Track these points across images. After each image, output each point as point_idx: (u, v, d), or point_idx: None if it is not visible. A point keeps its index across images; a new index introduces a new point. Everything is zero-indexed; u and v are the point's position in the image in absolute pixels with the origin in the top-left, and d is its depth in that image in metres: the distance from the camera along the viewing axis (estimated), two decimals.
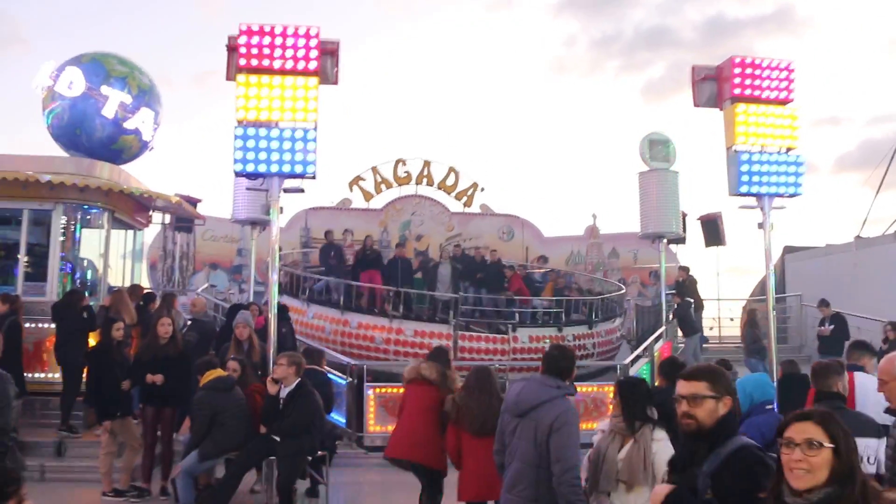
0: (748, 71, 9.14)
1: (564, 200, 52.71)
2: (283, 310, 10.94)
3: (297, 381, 7.50)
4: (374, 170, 23.52)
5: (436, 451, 6.90)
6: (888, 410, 4.23)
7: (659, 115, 55.05)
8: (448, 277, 17.62)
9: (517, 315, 16.36)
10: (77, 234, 13.30)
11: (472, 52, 57.42)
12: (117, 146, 13.90)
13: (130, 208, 14.22)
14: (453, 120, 55.65)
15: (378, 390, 11.02)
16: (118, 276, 14.90)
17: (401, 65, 56.88)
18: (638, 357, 12.69)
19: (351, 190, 23.60)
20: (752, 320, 13.99)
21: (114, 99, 13.48)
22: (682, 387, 3.44)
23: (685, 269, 16.54)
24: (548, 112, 56.64)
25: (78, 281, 13.11)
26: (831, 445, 2.64)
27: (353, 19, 54.22)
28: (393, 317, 15.75)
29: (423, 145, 71.83)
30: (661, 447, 4.71)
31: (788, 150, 9.19)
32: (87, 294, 11.73)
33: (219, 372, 8.05)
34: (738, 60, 9.15)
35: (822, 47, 51.16)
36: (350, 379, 11.11)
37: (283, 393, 7.51)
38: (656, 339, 13.60)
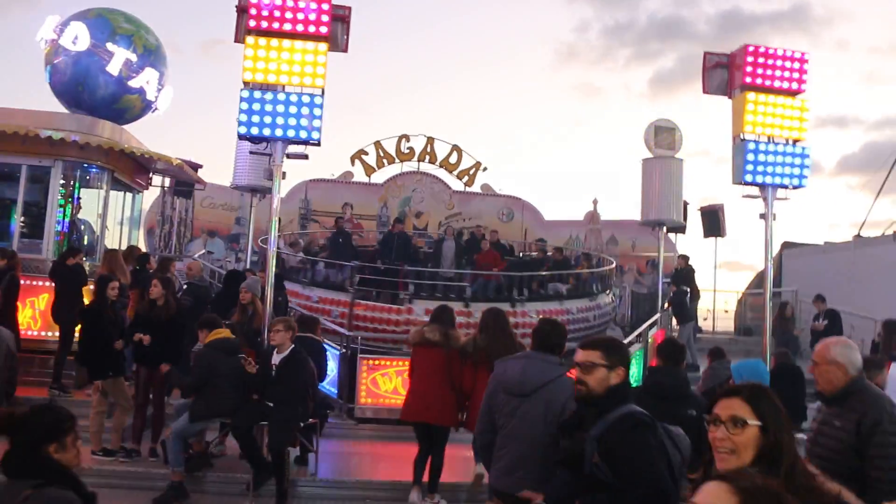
0: (760, 60, 9.04)
1: (567, 185, 52.83)
2: (279, 278, 10.90)
3: (290, 348, 7.47)
4: (378, 144, 23.46)
5: (449, 410, 7.40)
6: (817, 394, 4.29)
7: (666, 105, 54.93)
8: (452, 253, 17.62)
9: (411, 286, 16.17)
10: (76, 194, 13.20)
11: (484, 33, 57.35)
12: (120, 105, 13.78)
13: (131, 169, 14.12)
14: (459, 98, 55.71)
15: (371, 362, 11.00)
16: (115, 240, 14.82)
17: (411, 40, 56.74)
18: (631, 343, 12.66)
19: (353, 164, 23.57)
20: (782, 315, 13.94)
21: (119, 56, 13.35)
22: (579, 355, 3.61)
23: (684, 258, 16.50)
24: (555, 97, 56.62)
25: (76, 242, 13.02)
26: (758, 423, 2.48)
27: None
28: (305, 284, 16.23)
29: (427, 122, 71.84)
30: None
31: (795, 141, 9.12)
32: (82, 253, 11.65)
33: (225, 332, 8.01)
34: (751, 49, 9.06)
35: (836, 47, 50.95)
36: (343, 350, 11.09)
37: (277, 359, 7.47)
38: (650, 326, 13.59)
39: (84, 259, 12.31)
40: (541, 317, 8.16)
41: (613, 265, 19.35)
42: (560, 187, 54.95)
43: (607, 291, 18.45)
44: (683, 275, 15.88)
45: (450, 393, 7.37)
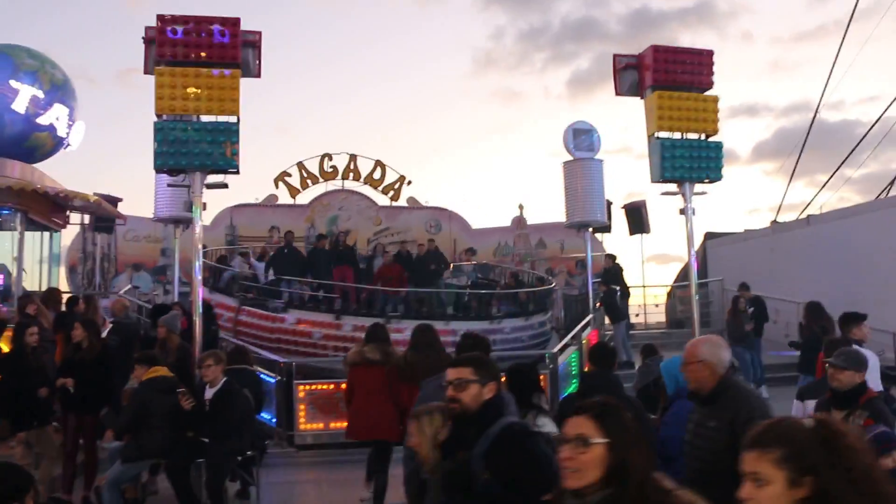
0: (668, 59, 9.26)
1: (492, 192, 53.22)
2: (208, 308, 10.71)
3: (223, 381, 7.32)
4: (300, 165, 23.27)
5: (393, 426, 7.30)
6: (689, 394, 4.29)
7: (585, 105, 56.00)
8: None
9: (287, 295, 16.13)
10: None
11: (400, 46, 57.54)
12: (29, 144, 13.39)
13: (46, 209, 13.72)
14: (380, 113, 55.66)
15: (308, 387, 10.87)
16: (35, 281, 14.38)
17: (326, 58, 56.53)
18: (566, 345, 12.79)
19: (277, 186, 23.32)
20: (735, 308, 14.16)
21: (24, 93, 12.99)
22: (450, 373, 3.60)
23: (612, 257, 16.76)
24: (476, 104, 57.11)
25: None
26: (603, 441, 2.39)
27: (276, 11, 53.57)
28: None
29: (349, 140, 71.47)
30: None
31: (708, 136, 9.36)
32: None
33: (163, 371, 7.74)
34: (658, 49, 9.28)
35: (741, 39, 52.72)
36: (279, 377, 10.94)
37: (209, 394, 7.31)
38: (584, 327, 13.76)
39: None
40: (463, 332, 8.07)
41: (553, 285, 19.57)
42: (487, 194, 55.41)
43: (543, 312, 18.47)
44: (612, 274, 16.12)
45: (393, 409, 7.34)
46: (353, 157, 23.52)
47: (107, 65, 61.63)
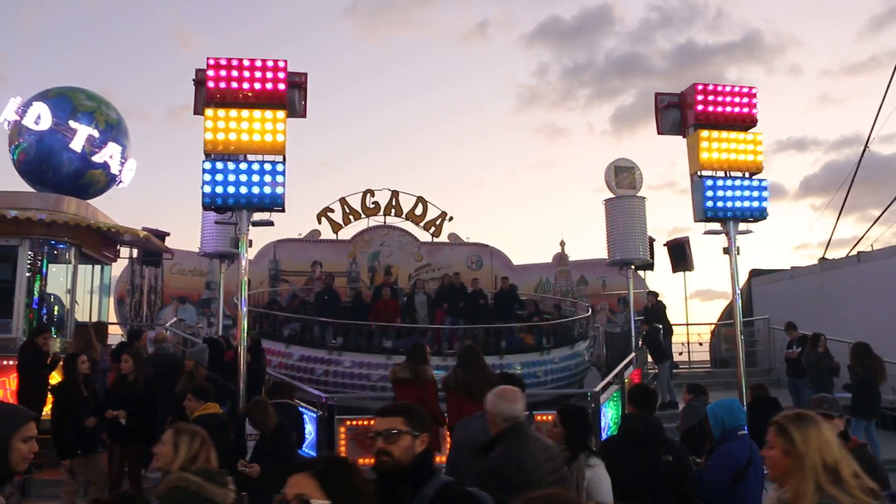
0: (710, 97, 9.23)
1: (534, 228, 53.18)
2: (254, 343, 10.84)
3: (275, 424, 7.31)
4: (343, 201, 23.52)
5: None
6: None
7: (629, 141, 55.92)
8: (425, 306, 17.64)
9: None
10: (44, 270, 13.12)
11: (444, 83, 58.13)
12: (85, 181, 13.82)
13: (98, 243, 14.09)
14: (422, 150, 56.14)
15: (349, 423, 10.91)
16: (85, 312, 14.72)
17: (370, 95, 57.31)
18: (608, 384, 12.68)
19: (319, 222, 23.56)
20: (815, 347, 13.41)
21: (81, 133, 13.45)
22: (378, 423, 3.33)
23: (654, 295, 16.64)
24: (518, 141, 57.29)
25: (45, 317, 12.91)
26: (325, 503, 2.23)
27: (322, 49, 54.64)
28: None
29: (391, 176, 72.21)
30: (595, 473, 4.76)
31: (752, 174, 9.29)
32: (48, 332, 11.50)
33: (214, 408, 7.78)
34: (700, 87, 9.25)
35: (789, 73, 52.29)
36: (320, 412, 11.00)
37: (251, 429, 7.38)
38: (626, 366, 13.63)
39: (54, 335, 12.24)
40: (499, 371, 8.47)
41: (589, 312, 19.48)
42: (528, 231, 55.38)
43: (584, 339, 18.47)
44: (654, 312, 16.00)
45: None
46: (395, 194, 23.71)
47: (160, 103, 63.42)
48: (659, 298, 16.67)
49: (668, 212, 66.23)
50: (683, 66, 51.76)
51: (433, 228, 23.91)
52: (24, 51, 54.60)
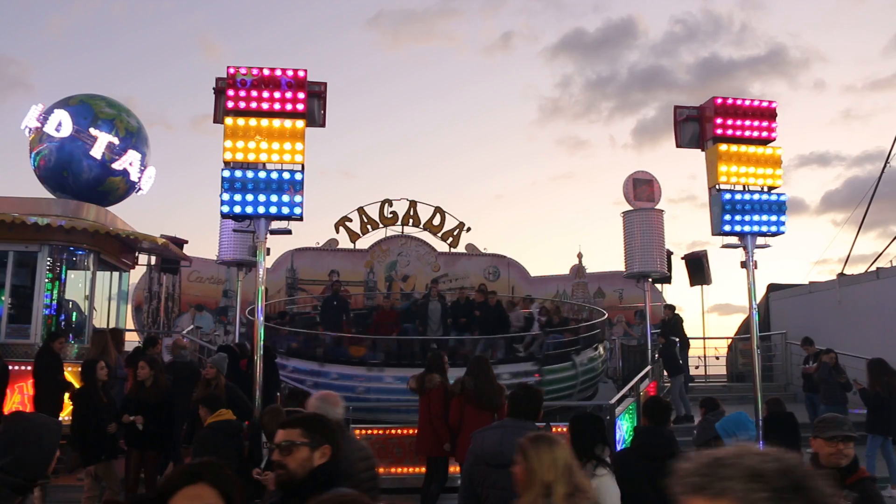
0: (730, 111, 9.20)
1: (553, 241, 53.09)
2: (268, 352, 10.88)
3: None
4: (361, 210, 23.61)
5: (432, 445, 8.90)
6: None
7: (651, 154, 55.82)
8: (438, 315, 17.60)
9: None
10: (63, 276, 13.23)
11: (467, 95, 58.28)
12: (104, 188, 13.94)
13: (116, 250, 14.19)
14: (443, 160, 56.29)
15: (363, 432, 10.92)
16: (103, 318, 14.82)
17: (392, 106, 57.57)
18: (624, 397, 12.62)
19: (337, 231, 23.68)
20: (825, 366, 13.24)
21: (102, 140, 13.56)
22: (278, 435, 3.26)
23: (671, 308, 16.57)
24: (539, 153, 57.32)
25: (63, 323, 13.01)
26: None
27: (344, 58, 54.97)
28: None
29: (410, 186, 72.41)
30: (603, 483, 4.74)
31: (771, 189, 9.24)
32: (63, 337, 11.58)
33: (228, 414, 7.82)
34: (719, 100, 9.22)
35: (813, 88, 52.08)
36: None
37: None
38: (641, 379, 13.57)
39: (71, 340, 12.32)
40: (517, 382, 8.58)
41: (605, 316, 19.35)
42: (547, 243, 55.32)
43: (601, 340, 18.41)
44: (671, 325, 15.93)
45: (431, 430, 8.82)
46: (412, 204, 23.79)
47: (183, 111, 64.06)
48: (676, 312, 16.60)
49: (688, 225, 66.03)
50: (707, 79, 51.71)
51: (450, 239, 23.97)
52: (49, 60, 55.40)
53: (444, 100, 58.95)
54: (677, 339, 15.53)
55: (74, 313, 13.93)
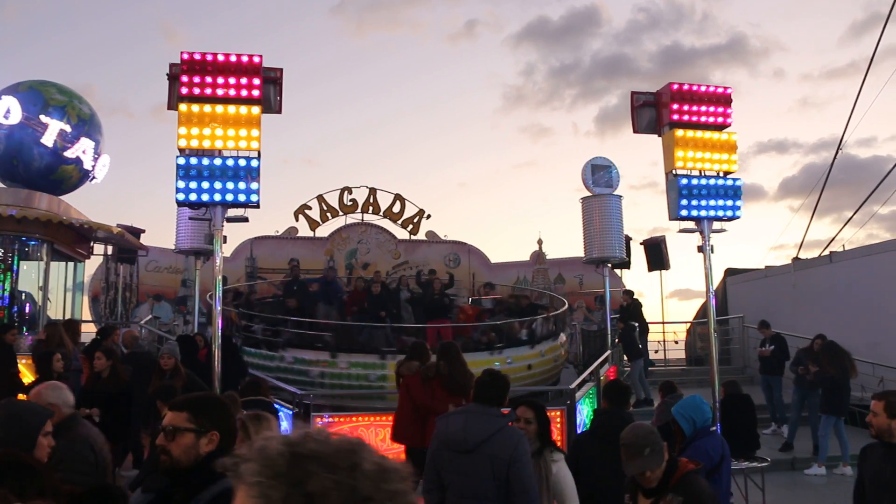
0: (686, 97, 9.28)
1: (516, 227, 53.28)
2: (227, 341, 10.77)
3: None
4: (320, 198, 23.47)
5: (407, 433, 8.66)
6: None
7: (613, 141, 56.22)
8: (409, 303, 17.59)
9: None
10: (15, 267, 12.97)
11: (431, 82, 58.09)
12: (57, 176, 13.66)
13: (71, 239, 13.94)
14: (406, 148, 56.14)
15: (324, 419, 10.88)
16: (59, 310, 14.56)
17: (355, 92, 57.22)
18: (584, 381, 12.73)
19: (297, 219, 23.51)
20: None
21: (53, 128, 13.29)
22: (166, 418, 3.01)
23: (629, 294, 16.72)
24: (503, 140, 57.39)
25: (16, 315, 12.76)
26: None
27: (307, 46, 54.48)
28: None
29: (374, 174, 72.15)
30: (559, 468, 4.81)
31: (727, 174, 9.34)
32: (22, 328, 11.39)
33: None
34: (675, 86, 9.30)
35: (772, 76, 52.78)
36: (297, 409, 10.96)
37: None
38: (601, 364, 13.69)
39: (25, 332, 12.09)
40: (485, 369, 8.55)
41: (566, 307, 19.38)
42: (510, 230, 55.51)
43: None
44: (630, 310, 16.08)
45: (405, 418, 8.62)
46: (372, 191, 23.70)
47: (144, 99, 63.05)
48: (635, 297, 16.76)
49: (649, 212, 66.60)
50: (669, 68, 52.16)
51: (411, 226, 23.94)
52: (5, 47, 54.04)
53: (408, 88, 58.75)
54: (636, 324, 15.68)
55: (28, 304, 13.68)
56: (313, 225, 23.53)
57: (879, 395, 4.48)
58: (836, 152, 21.65)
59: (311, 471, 1.35)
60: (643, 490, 4.12)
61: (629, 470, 4.10)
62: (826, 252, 19.39)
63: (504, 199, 58.34)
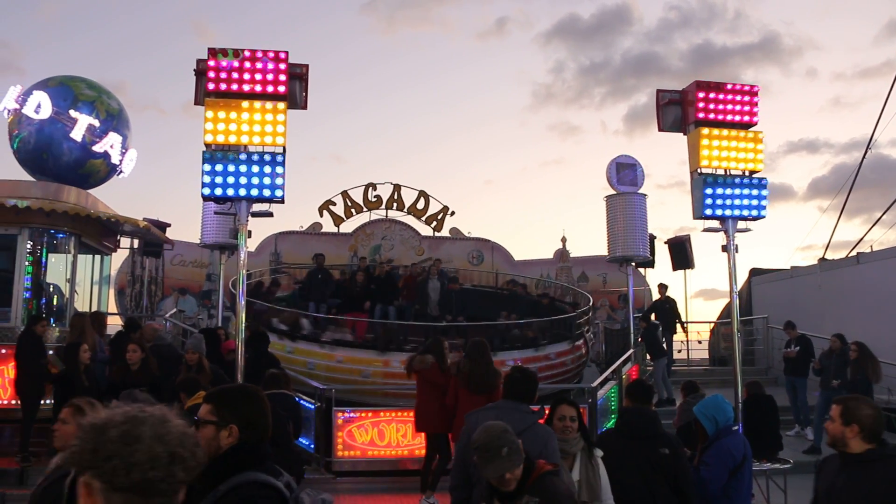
0: (711, 95, 9.21)
1: (542, 225, 53.17)
2: (255, 336, 10.83)
3: None
4: (345, 194, 23.55)
5: (429, 421, 9.18)
6: None
7: (641, 140, 55.94)
8: (438, 293, 17.66)
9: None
10: (43, 259, 13.13)
11: (460, 79, 58.14)
12: (85, 170, 13.83)
13: (98, 233, 14.10)
14: (435, 145, 56.31)
15: (345, 414, 10.95)
16: (85, 302, 14.73)
17: (386, 89, 57.39)
18: (606, 380, 12.71)
19: (321, 215, 23.60)
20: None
21: (82, 122, 13.45)
22: (200, 409, 3.03)
23: (664, 287, 16.84)
24: (531, 138, 57.25)
25: (44, 307, 12.93)
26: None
27: (338, 43, 54.68)
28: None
29: (401, 171, 72.40)
30: (601, 465, 4.82)
31: (752, 173, 9.27)
32: (50, 320, 11.53)
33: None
34: (701, 84, 9.24)
35: (805, 75, 52.24)
36: (318, 403, 11.04)
37: None
38: (624, 362, 13.65)
39: (52, 324, 12.25)
40: (512, 364, 8.57)
41: (590, 305, 19.33)
42: (533, 227, 55.40)
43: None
44: (665, 308, 16.18)
45: (429, 407, 9.12)
46: (397, 187, 23.75)
47: (176, 96, 63.89)
48: (667, 293, 16.80)
49: (676, 211, 66.23)
50: (700, 66, 51.71)
51: (434, 223, 23.96)
52: (42, 44, 54.84)
53: (437, 85, 58.77)
54: (658, 323, 15.65)
55: (56, 297, 13.85)
56: (337, 221, 23.62)
57: (838, 400, 4.11)
58: (865, 152, 21.47)
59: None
60: (499, 495, 3.90)
61: (488, 474, 3.85)
62: (853, 253, 19.20)
63: (529, 197, 58.22)
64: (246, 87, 7.84)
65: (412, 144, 57.81)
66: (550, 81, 55.25)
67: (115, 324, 15.88)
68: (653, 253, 16.26)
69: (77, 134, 13.41)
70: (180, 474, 1.74)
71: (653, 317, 16.25)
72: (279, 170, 7.76)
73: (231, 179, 7.69)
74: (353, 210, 23.60)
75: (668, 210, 61.36)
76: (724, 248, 9.31)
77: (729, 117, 9.24)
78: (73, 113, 13.44)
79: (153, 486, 1.70)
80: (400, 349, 15.11)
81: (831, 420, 3.99)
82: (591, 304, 18.83)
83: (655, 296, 17.52)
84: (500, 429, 3.89)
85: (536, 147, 57.89)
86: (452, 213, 24.10)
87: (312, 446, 10.88)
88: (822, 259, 19.82)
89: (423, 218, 23.90)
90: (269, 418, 3.07)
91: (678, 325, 16.98)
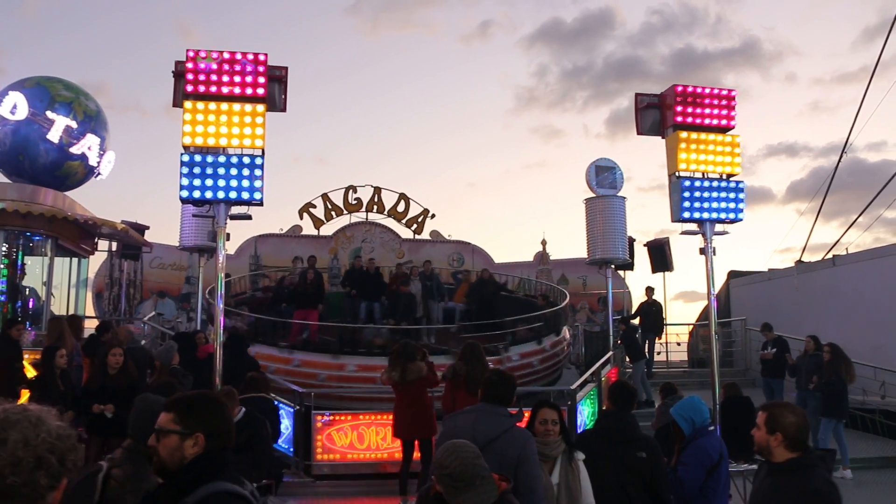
0: (689, 99, 9.26)
1: (523, 227, 53.31)
2: (233, 339, 10.78)
3: (241, 411, 7.33)
4: (325, 197, 23.50)
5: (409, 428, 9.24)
6: None
7: (623, 143, 56.28)
8: (420, 295, 17.61)
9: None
10: (19, 262, 13.02)
11: (443, 82, 58.26)
12: (62, 172, 13.71)
13: (75, 235, 13.99)
14: (417, 148, 56.37)
15: (325, 418, 10.91)
16: (62, 305, 14.61)
17: (368, 92, 57.36)
18: (585, 382, 12.74)
19: (301, 217, 23.55)
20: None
21: (59, 124, 13.34)
22: (160, 419, 2.91)
23: (651, 290, 16.97)
24: (514, 141, 57.44)
25: (19, 309, 12.81)
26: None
27: (321, 45, 54.66)
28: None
29: (381, 173, 72.30)
30: (583, 468, 4.83)
31: (729, 176, 9.34)
32: (26, 323, 11.42)
33: None
34: (679, 88, 9.29)
35: (785, 80, 52.73)
36: (297, 407, 11.00)
37: None
38: (603, 365, 13.70)
39: (28, 327, 12.14)
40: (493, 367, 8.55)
41: (567, 301, 19.34)
42: (514, 230, 55.57)
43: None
44: (651, 311, 16.28)
45: (408, 413, 9.14)
46: (377, 190, 23.74)
47: (158, 97, 63.55)
48: (653, 296, 16.89)
49: (657, 213, 66.66)
50: (681, 71, 52.18)
51: (415, 226, 23.96)
52: (24, 44, 54.29)
53: (421, 87, 58.89)
54: (637, 325, 15.73)
55: (32, 299, 13.73)
56: (318, 223, 23.58)
57: (763, 407, 3.98)
58: (841, 155, 21.63)
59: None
60: None
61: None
62: (829, 255, 19.37)
63: (510, 200, 58.44)
64: (225, 90, 7.81)
65: (395, 146, 57.89)
66: (533, 85, 55.50)
67: (92, 327, 15.77)
68: (632, 255, 16.36)
69: (54, 135, 13.31)
70: (43, 480, 1.76)
71: (637, 320, 16.39)
72: (258, 172, 7.73)
73: (209, 182, 7.65)
74: (333, 213, 23.56)
75: (649, 213, 61.85)
76: (702, 251, 9.37)
77: (707, 121, 9.29)
78: (50, 114, 13.33)
79: (13, 490, 1.71)
80: (354, 352, 15.04)
81: (757, 428, 3.89)
82: (567, 301, 18.77)
83: (642, 298, 17.61)
84: (473, 455, 3.60)
85: (519, 150, 58.17)
86: (433, 216, 24.14)
87: (291, 450, 10.83)
88: (799, 261, 19.98)
89: (404, 221, 23.90)
90: (232, 425, 3.01)
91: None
